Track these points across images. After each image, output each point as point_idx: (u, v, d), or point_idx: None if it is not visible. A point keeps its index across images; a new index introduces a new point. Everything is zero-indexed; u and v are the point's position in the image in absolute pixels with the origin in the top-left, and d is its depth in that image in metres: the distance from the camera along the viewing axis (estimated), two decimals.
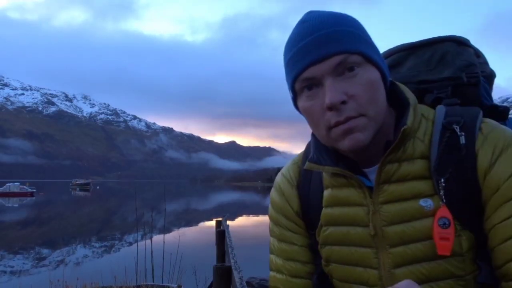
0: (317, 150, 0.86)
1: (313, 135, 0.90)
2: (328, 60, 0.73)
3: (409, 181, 0.78)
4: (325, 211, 0.88)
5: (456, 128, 0.77)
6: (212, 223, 15.82)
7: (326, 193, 0.88)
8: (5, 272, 11.48)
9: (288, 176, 0.98)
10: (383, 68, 0.80)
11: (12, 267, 12.16)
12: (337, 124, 0.74)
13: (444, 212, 0.74)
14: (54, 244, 16.52)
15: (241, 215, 29.32)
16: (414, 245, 0.76)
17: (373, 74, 0.76)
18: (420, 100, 0.90)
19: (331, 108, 0.73)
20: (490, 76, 0.99)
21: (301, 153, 1.01)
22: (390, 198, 0.79)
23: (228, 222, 10.63)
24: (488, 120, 0.81)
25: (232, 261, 4.47)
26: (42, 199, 54.67)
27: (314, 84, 0.76)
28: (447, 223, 0.73)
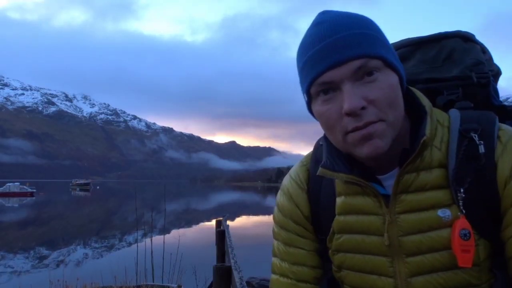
0: (330, 155, 0.83)
1: (325, 138, 0.86)
2: (347, 64, 0.71)
3: (427, 191, 0.76)
4: (339, 219, 0.85)
5: (475, 136, 0.75)
6: (212, 223, 15.84)
7: (340, 200, 0.86)
8: (5, 272, 11.48)
9: (297, 179, 0.95)
10: (402, 73, 0.77)
11: (12, 267, 12.16)
12: (355, 129, 0.72)
13: (464, 223, 0.72)
14: (54, 244, 16.52)
15: (241, 215, 29.33)
16: (431, 255, 0.75)
17: (392, 78, 0.74)
18: (430, 101, 0.86)
19: (349, 114, 0.71)
20: (497, 74, 0.96)
21: (308, 154, 0.98)
22: (407, 208, 0.77)
23: (228, 222, 10.64)
24: (504, 126, 0.78)
25: (232, 261, 4.47)
26: (42, 199, 54.65)
27: (331, 88, 0.73)
28: (467, 234, 0.72)
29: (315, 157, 0.93)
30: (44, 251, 15.07)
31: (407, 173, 0.77)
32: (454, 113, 0.82)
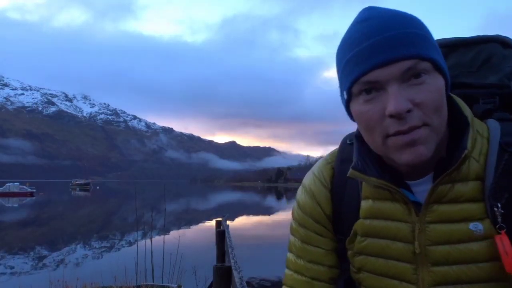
0: (361, 157, 0.81)
1: (357, 138, 0.84)
2: (396, 63, 0.68)
3: (461, 203, 0.74)
4: (364, 222, 0.83)
5: None
6: (212, 223, 15.84)
7: (366, 203, 0.83)
8: (5, 272, 11.49)
9: (321, 177, 0.92)
10: (448, 78, 0.74)
11: (12, 267, 12.16)
12: (398, 133, 0.69)
13: (505, 240, 0.69)
14: (54, 244, 16.53)
15: (241, 215, 29.33)
16: (458, 267, 0.73)
17: (440, 82, 0.71)
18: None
19: (394, 116, 0.67)
20: None
21: (334, 151, 0.96)
22: (438, 218, 0.75)
23: (228, 222, 10.65)
24: None
25: (232, 261, 4.47)
26: (42, 199, 54.67)
27: (374, 88, 0.70)
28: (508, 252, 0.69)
29: (341, 156, 0.90)
30: (44, 251, 15.07)
31: (442, 184, 0.74)
32: (494, 124, 0.78)
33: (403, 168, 0.78)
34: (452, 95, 0.80)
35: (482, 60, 0.91)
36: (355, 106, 0.75)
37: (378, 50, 0.68)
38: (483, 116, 0.83)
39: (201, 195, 65.96)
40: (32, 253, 14.70)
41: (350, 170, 0.81)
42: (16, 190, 60.74)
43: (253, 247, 14.11)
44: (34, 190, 63.65)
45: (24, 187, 64.27)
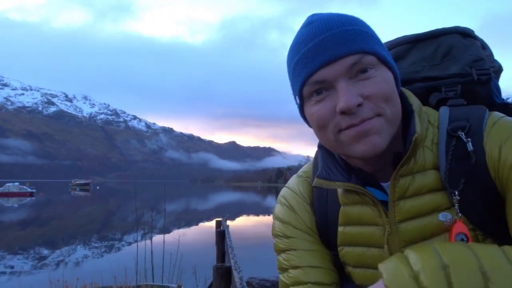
0: (326, 164, 0.80)
1: (320, 147, 0.84)
2: (341, 60, 0.68)
3: (425, 194, 0.73)
4: (339, 230, 0.81)
5: (461, 134, 0.72)
6: (212, 223, 15.83)
7: (340, 210, 0.82)
8: (5, 272, 11.48)
9: (298, 192, 0.89)
10: (396, 71, 0.74)
11: (12, 267, 12.15)
12: (350, 126, 0.68)
13: (460, 227, 0.69)
14: (54, 244, 16.51)
15: (241, 215, 29.31)
16: None
17: (387, 74, 0.71)
18: (426, 100, 0.85)
19: (345, 111, 0.67)
20: (498, 70, 0.92)
21: (307, 166, 0.93)
22: (407, 215, 0.73)
23: (228, 222, 10.63)
24: (494, 113, 0.75)
25: (232, 261, 4.47)
26: (41, 199, 54.61)
27: (324, 87, 0.70)
28: (464, 239, 0.68)
29: (316, 169, 0.85)
30: (44, 251, 15.06)
31: (402, 177, 0.73)
32: (444, 111, 0.78)
33: (367, 168, 0.77)
34: (402, 88, 0.80)
35: (443, 52, 0.90)
36: (307, 108, 0.74)
37: (322, 49, 0.68)
38: (438, 105, 0.83)
39: (201, 195, 65.92)
40: (32, 253, 14.68)
41: (315, 179, 0.79)
42: (15, 190, 60.70)
43: (253, 247, 14.11)
44: (34, 190, 63.57)
45: (24, 187, 64.22)
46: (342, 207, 0.82)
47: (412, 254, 0.55)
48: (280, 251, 0.88)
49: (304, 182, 0.90)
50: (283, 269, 0.87)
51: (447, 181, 0.71)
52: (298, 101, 0.76)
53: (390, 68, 0.73)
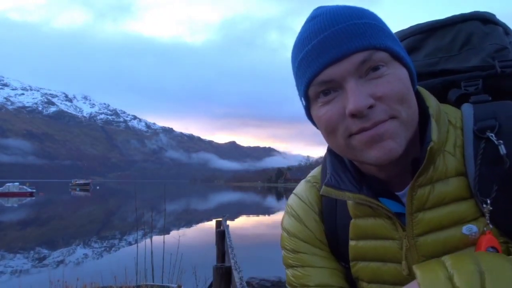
0: (335, 170, 0.73)
1: (329, 151, 0.77)
2: (349, 58, 0.61)
3: (447, 205, 0.65)
4: (351, 244, 0.75)
5: (491, 135, 0.64)
6: (212, 223, 15.83)
7: (351, 222, 0.75)
8: (5, 272, 11.48)
9: (306, 200, 0.83)
10: (412, 67, 0.67)
11: (12, 267, 12.16)
12: (362, 130, 0.62)
13: (490, 240, 0.62)
14: (54, 244, 16.52)
15: (241, 215, 29.31)
16: None
17: (402, 72, 0.64)
18: (444, 96, 0.77)
19: (355, 114, 0.61)
20: None
21: (316, 170, 0.87)
22: (426, 228, 0.66)
23: (228, 222, 10.64)
24: None
25: (232, 261, 4.47)
26: (41, 199, 54.62)
27: (331, 88, 0.63)
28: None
29: (325, 174, 0.79)
30: (44, 251, 15.06)
31: (420, 187, 0.66)
32: (467, 110, 0.70)
33: (381, 175, 0.70)
34: (418, 87, 0.72)
35: (461, 42, 0.82)
36: (314, 110, 0.67)
37: (328, 46, 0.62)
38: (459, 102, 0.75)
39: (201, 195, 65.90)
40: (32, 253, 14.68)
41: (323, 187, 0.73)
42: (15, 190, 60.75)
43: (253, 247, 14.13)
44: (34, 190, 63.60)
45: (24, 187, 64.25)
46: (352, 219, 0.75)
47: (448, 258, 0.52)
48: (288, 265, 0.83)
49: (312, 188, 0.84)
50: (292, 286, 0.82)
51: (477, 189, 0.63)
52: (304, 102, 0.70)
53: (405, 64, 0.65)
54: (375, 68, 0.62)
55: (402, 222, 0.68)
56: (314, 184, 0.84)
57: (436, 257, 0.63)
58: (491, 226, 0.63)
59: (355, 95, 0.60)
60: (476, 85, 0.75)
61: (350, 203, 0.75)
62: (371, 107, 0.61)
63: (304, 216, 0.82)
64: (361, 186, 0.70)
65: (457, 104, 0.74)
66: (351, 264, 0.76)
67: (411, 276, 0.67)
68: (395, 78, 0.62)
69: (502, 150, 0.62)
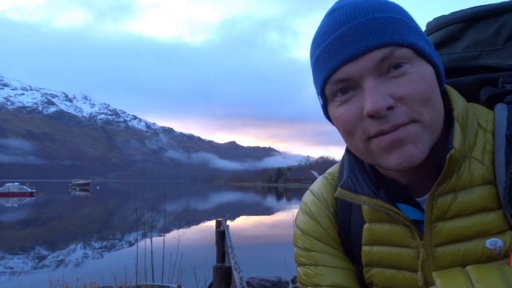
0: (352, 172, 0.70)
1: (348, 151, 0.74)
2: (368, 55, 0.57)
3: (470, 215, 0.61)
4: (365, 249, 0.72)
5: None
6: (212, 223, 15.82)
7: (365, 227, 0.72)
8: (5, 272, 11.48)
9: (321, 198, 0.80)
10: (438, 64, 0.62)
11: (12, 267, 12.16)
12: (381, 133, 0.58)
13: None
14: (54, 244, 16.52)
15: (241, 215, 29.31)
16: None
17: (426, 70, 0.59)
18: (477, 95, 0.71)
19: (373, 115, 0.57)
20: None
21: (334, 167, 0.83)
22: (446, 239, 0.62)
23: (228, 222, 10.64)
24: None
25: (232, 261, 4.47)
26: (41, 199, 54.62)
27: (350, 86, 0.60)
28: None
29: (342, 173, 0.76)
30: (44, 251, 15.06)
31: (440, 196, 0.62)
32: (500, 111, 0.65)
33: (402, 179, 0.66)
34: (447, 86, 0.68)
35: (507, 35, 0.74)
36: (331, 110, 0.64)
37: (345, 42, 0.58)
38: (490, 102, 0.68)
39: (201, 195, 65.91)
40: (32, 253, 14.68)
41: (338, 189, 0.69)
42: (15, 190, 60.76)
43: (253, 247, 14.11)
44: (34, 190, 63.60)
45: (24, 187, 64.25)
46: (367, 224, 0.72)
47: (473, 270, 0.49)
48: (300, 263, 0.81)
49: (329, 186, 0.80)
50: (303, 284, 0.79)
51: (508, 200, 0.58)
52: (321, 101, 0.67)
53: (431, 62, 0.61)
54: (397, 66, 0.58)
55: (421, 230, 0.65)
56: (331, 181, 0.81)
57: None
58: None
59: (373, 95, 0.56)
60: None
61: (365, 207, 0.72)
62: (390, 108, 0.57)
63: (318, 214, 0.79)
64: (379, 189, 0.66)
65: (488, 104, 0.68)
66: (365, 269, 0.74)
67: (427, 286, 0.65)
68: (419, 77, 0.58)
69: None
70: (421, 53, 0.59)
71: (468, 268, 0.50)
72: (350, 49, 0.58)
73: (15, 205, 42.22)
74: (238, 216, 28.26)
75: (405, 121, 0.57)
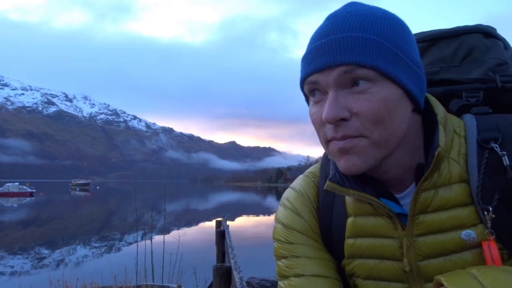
0: (337, 169, 0.74)
1: None
2: (333, 69, 0.64)
3: (448, 209, 0.68)
4: (348, 242, 0.77)
5: (495, 146, 0.67)
6: (212, 223, 15.82)
7: (350, 221, 0.77)
8: (5, 272, 11.48)
9: (303, 194, 0.84)
10: (409, 87, 0.66)
11: (12, 267, 12.15)
12: (333, 139, 0.66)
13: (493, 248, 0.64)
14: (54, 244, 16.51)
15: (241, 215, 29.32)
16: None
17: (389, 92, 0.64)
18: (445, 105, 0.77)
19: (327, 122, 0.65)
20: None
21: (315, 166, 0.88)
22: (427, 230, 0.69)
23: (228, 222, 10.63)
24: None
25: (232, 261, 4.47)
26: (41, 199, 54.63)
27: (319, 90, 0.67)
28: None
29: (324, 171, 0.82)
30: (44, 251, 15.06)
31: (424, 191, 0.68)
32: (470, 120, 0.73)
33: (383, 177, 0.72)
34: (427, 94, 0.74)
35: (464, 54, 0.85)
36: (309, 106, 0.72)
37: (320, 53, 0.65)
38: (460, 113, 0.78)
39: (201, 195, 65.90)
40: (32, 253, 14.68)
41: (327, 182, 0.74)
42: (15, 190, 60.80)
43: (253, 247, 14.12)
44: (34, 190, 63.64)
45: (24, 187, 64.25)
46: (351, 217, 0.77)
47: (480, 272, 0.53)
48: (280, 256, 0.83)
49: (311, 183, 0.85)
50: (284, 276, 0.81)
51: (480, 197, 0.66)
52: (304, 96, 0.74)
53: (399, 83, 0.65)
54: (356, 83, 0.63)
55: (402, 222, 0.71)
56: (313, 179, 0.85)
57: (433, 257, 0.68)
58: (492, 231, 0.65)
59: (330, 105, 0.63)
60: (477, 97, 0.78)
61: (349, 201, 0.77)
62: (344, 119, 0.63)
63: (301, 208, 0.83)
64: (364, 185, 0.72)
65: (458, 114, 0.77)
66: (347, 261, 0.78)
67: (411, 272, 0.70)
68: (377, 98, 0.63)
69: (506, 161, 0.65)
70: (387, 76, 0.64)
71: (473, 270, 0.54)
72: (321, 61, 0.64)
73: (15, 205, 42.22)
74: (238, 216, 28.27)
75: (354, 134, 0.63)
